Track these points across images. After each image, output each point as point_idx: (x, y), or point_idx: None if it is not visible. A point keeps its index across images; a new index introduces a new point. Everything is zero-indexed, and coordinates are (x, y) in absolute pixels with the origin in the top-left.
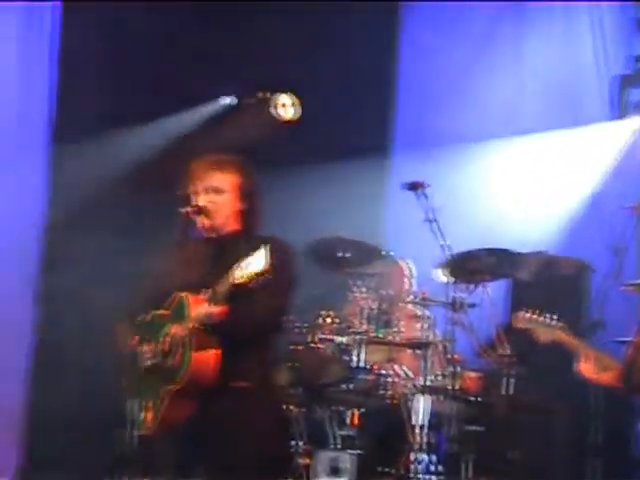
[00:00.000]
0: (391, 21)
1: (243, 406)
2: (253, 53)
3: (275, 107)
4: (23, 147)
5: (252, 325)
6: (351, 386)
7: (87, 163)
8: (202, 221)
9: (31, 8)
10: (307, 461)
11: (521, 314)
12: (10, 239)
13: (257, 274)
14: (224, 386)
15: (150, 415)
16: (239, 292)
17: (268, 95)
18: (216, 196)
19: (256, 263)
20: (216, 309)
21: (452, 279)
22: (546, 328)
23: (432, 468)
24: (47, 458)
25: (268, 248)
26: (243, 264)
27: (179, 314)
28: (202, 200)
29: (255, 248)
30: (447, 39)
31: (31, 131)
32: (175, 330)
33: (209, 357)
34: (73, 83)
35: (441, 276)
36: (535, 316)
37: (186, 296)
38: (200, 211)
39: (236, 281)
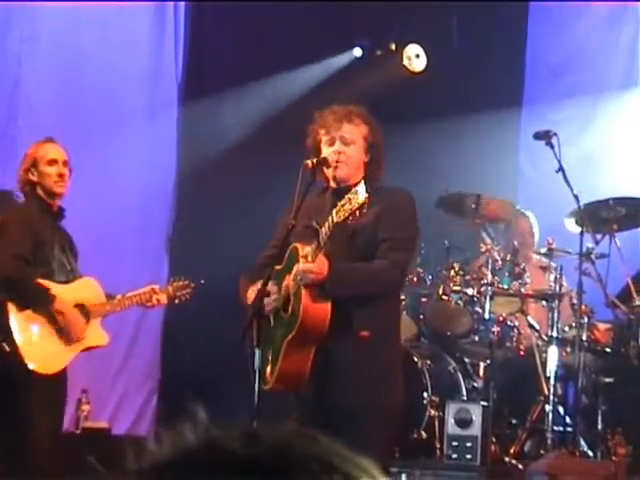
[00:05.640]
0: None
1: (364, 356)
2: (383, 4)
3: (405, 58)
4: (154, 105)
5: (363, 285)
6: (477, 338)
7: (215, 117)
8: (329, 172)
9: None
10: (437, 413)
11: None
12: (142, 197)
13: (357, 208)
14: (344, 336)
15: (269, 369)
16: (349, 240)
17: (398, 46)
18: (345, 147)
19: (354, 198)
20: (314, 267)
21: (581, 229)
22: None
23: (562, 420)
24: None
25: (363, 183)
26: (343, 202)
27: (291, 265)
28: (329, 151)
29: (377, 199)
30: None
31: (161, 90)
32: (287, 282)
33: (319, 308)
34: (201, 38)
35: (570, 226)
36: None
37: (295, 246)
38: (326, 162)
39: (337, 219)
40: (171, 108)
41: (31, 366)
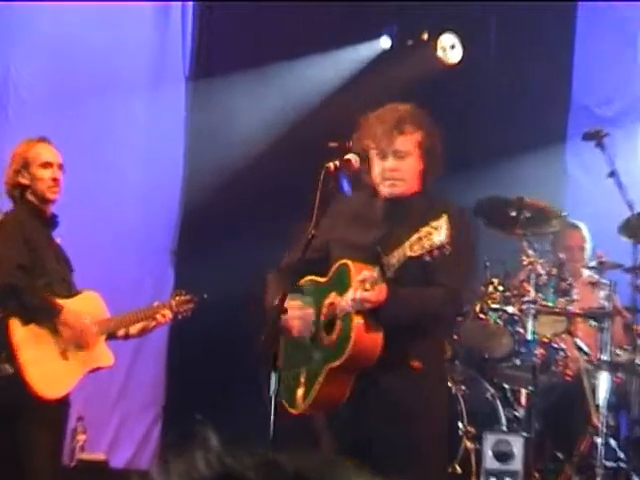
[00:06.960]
0: None
1: (415, 386)
2: None
3: (439, 49)
4: (161, 86)
5: (419, 315)
6: (519, 361)
7: (225, 117)
8: (385, 189)
9: None
10: (474, 445)
11: None
12: (146, 207)
13: (437, 247)
14: (393, 365)
15: (301, 391)
16: (412, 269)
17: (431, 36)
18: (399, 162)
19: (436, 234)
20: (372, 296)
21: (635, 240)
22: None
23: (614, 454)
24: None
25: (447, 218)
26: (420, 234)
27: (340, 283)
28: (382, 166)
29: (433, 214)
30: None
31: (169, 70)
32: (334, 300)
33: (372, 338)
34: (216, 18)
35: (623, 237)
36: None
37: (347, 265)
38: (349, 164)
39: (412, 254)
40: (178, 110)
41: (35, 389)
